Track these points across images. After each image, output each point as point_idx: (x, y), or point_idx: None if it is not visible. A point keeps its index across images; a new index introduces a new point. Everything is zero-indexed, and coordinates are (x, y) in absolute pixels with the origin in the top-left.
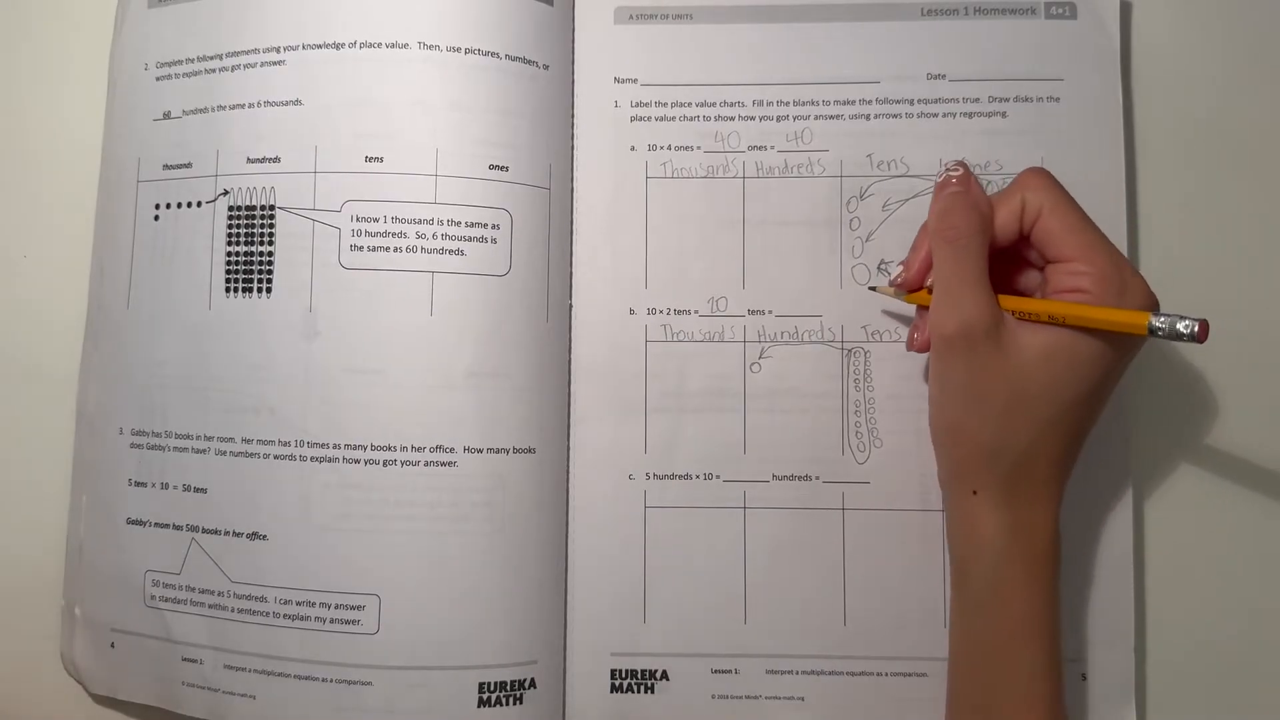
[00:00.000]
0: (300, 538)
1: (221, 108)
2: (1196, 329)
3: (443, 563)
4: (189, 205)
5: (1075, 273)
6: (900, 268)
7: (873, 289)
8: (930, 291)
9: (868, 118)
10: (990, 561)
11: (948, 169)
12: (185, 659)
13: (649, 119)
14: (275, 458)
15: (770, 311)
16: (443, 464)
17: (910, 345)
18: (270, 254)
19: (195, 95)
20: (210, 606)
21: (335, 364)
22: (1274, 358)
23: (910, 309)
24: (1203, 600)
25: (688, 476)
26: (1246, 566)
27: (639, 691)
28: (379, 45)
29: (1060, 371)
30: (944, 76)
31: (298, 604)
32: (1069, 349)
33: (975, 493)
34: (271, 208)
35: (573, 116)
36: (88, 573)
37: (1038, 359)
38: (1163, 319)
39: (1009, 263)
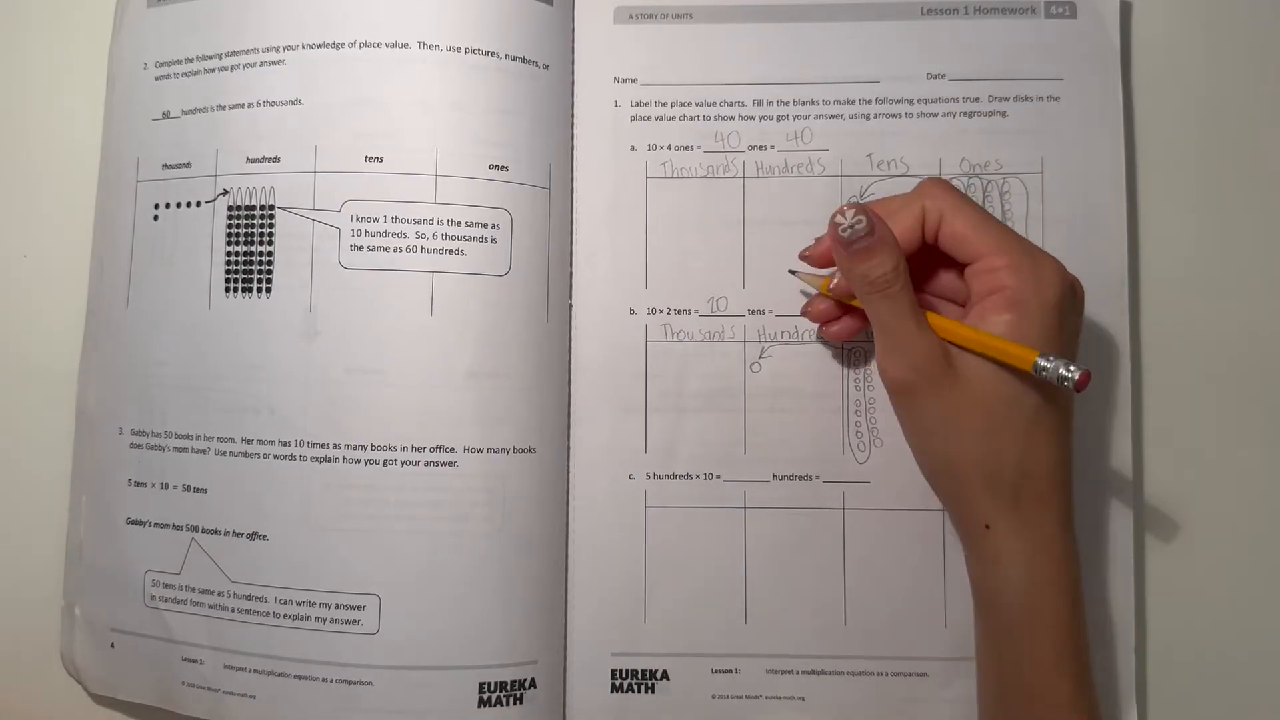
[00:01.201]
0: (300, 538)
1: (221, 107)
2: (1076, 377)
3: (443, 563)
4: (188, 205)
5: (991, 269)
6: (813, 241)
7: (792, 272)
8: (832, 291)
9: (867, 117)
10: (1017, 594)
11: (850, 223)
12: (185, 659)
13: (649, 119)
14: (275, 458)
15: (770, 311)
16: (443, 464)
17: (810, 314)
18: (270, 254)
19: (195, 95)
20: (210, 606)
21: (335, 364)
22: (1275, 357)
23: None
24: (1204, 601)
25: (688, 476)
26: (1247, 568)
27: (639, 691)
28: (379, 45)
29: (1015, 383)
30: (944, 76)
31: (298, 604)
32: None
33: (988, 527)
34: (271, 207)
35: (573, 116)
36: (87, 573)
37: (993, 374)
38: (1049, 362)
39: (924, 273)
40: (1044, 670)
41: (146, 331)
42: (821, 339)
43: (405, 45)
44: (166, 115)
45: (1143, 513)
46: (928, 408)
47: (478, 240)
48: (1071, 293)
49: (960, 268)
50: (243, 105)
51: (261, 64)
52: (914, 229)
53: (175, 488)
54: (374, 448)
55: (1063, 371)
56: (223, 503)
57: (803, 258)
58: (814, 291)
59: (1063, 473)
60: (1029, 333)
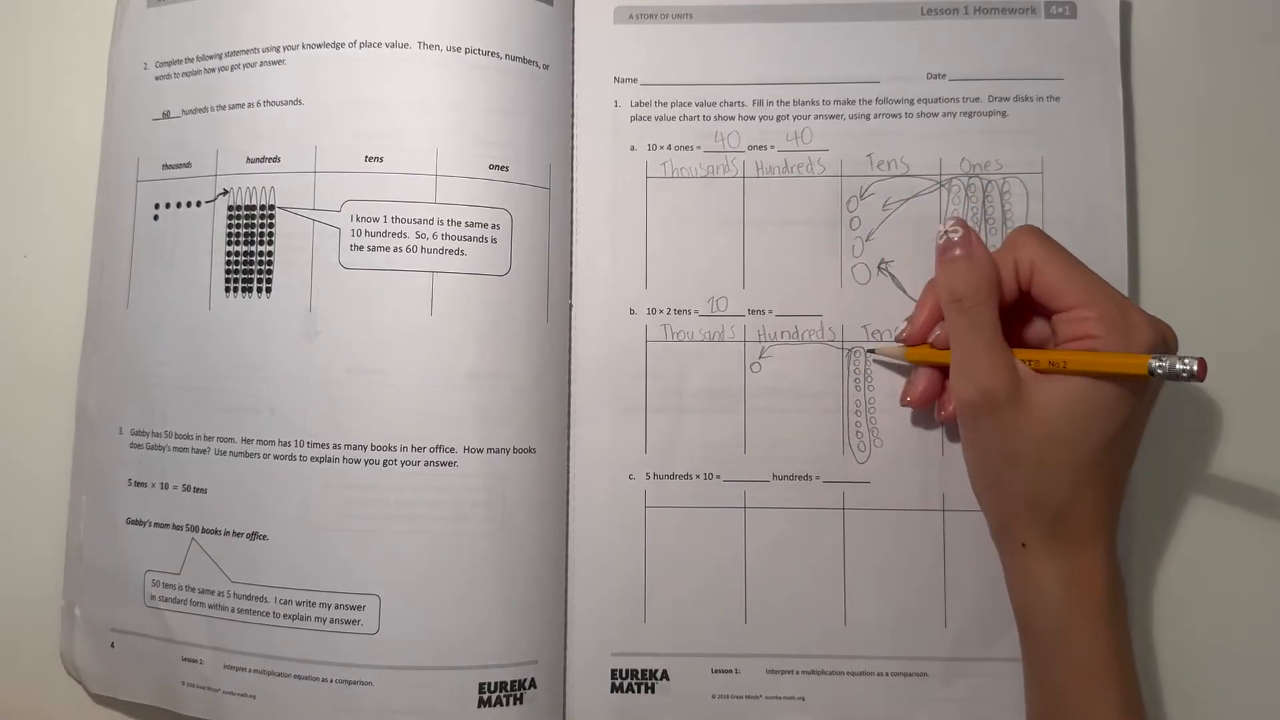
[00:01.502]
0: (300, 538)
1: (221, 107)
2: (1195, 368)
3: (443, 563)
4: (189, 205)
5: (1081, 319)
6: (905, 324)
7: (870, 352)
8: (933, 346)
9: (868, 117)
10: (1049, 612)
11: (946, 230)
12: (185, 659)
13: (649, 119)
14: (275, 458)
15: (770, 311)
16: (443, 464)
17: (904, 400)
18: (270, 254)
19: (195, 95)
20: (210, 606)
21: (335, 364)
22: (1276, 359)
23: None
24: (1203, 603)
25: (688, 476)
26: (1246, 572)
27: (639, 691)
28: (379, 45)
29: (1083, 420)
30: (944, 76)
31: (298, 604)
32: (1087, 398)
33: (1024, 546)
34: (271, 207)
35: (573, 116)
36: (87, 573)
37: (1059, 412)
38: (1163, 360)
39: (1015, 317)
40: (1080, 688)
41: (147, 331)
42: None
43: (405, 45)
44: (166, 115)
45: (1143, 512)
46: (988, 430)
47: (478, 240)
48: (1163, 343)
49: (1050, 316)
50: (243, 105)
51: (261, 64)
52: (1008, 281)
53: (175, 488)
54: (374, 448)
55: (1178, 367)
56: (223, 503)
57: (899, 339)
58: (901, 363)
59: (1109, 517)
60: (1109, 388)
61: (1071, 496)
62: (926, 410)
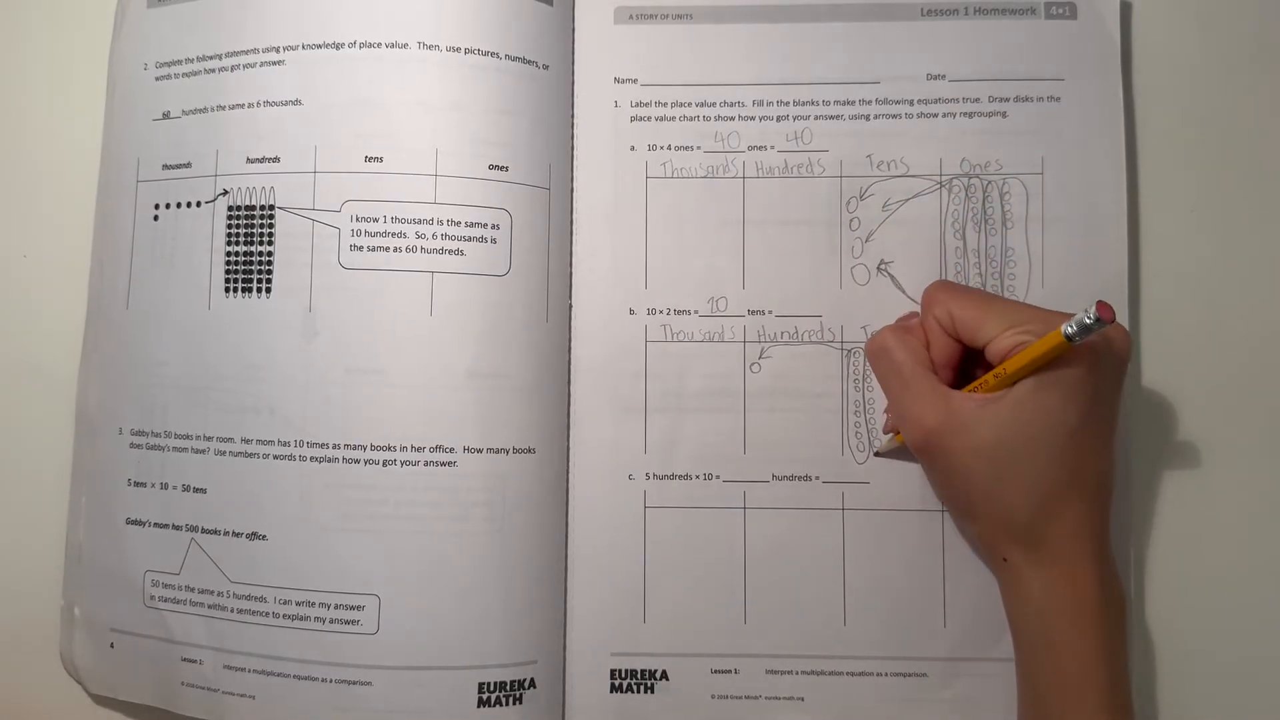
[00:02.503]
0: (300, 538)
1: (221, 108)
2: (1096, 312)
3: (442, 563)
4: (188, 205)
5: (1007, 340)
6: (886, 415)
7: (878, 454)
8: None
9: (868, 118)
10: (1035, 620)
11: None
12: (185, 659)
13: (649, 119)
14: (275, 458)
15: (770, 311)
16: (442, 464)
17: (887, 427)
18: (270, 254)
19: (195, 95)
20: (210, 607)
21: (335, 364)
22: (1275, 357)
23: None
24: (1203, 605)
25: (687, 476)
26: (1245, 569)
27: (639, 691)
28: (378, 45)
29: (1033, 428)
30: (944, 77)
31: (297, 604)
32: (1033, 404)
33: (1005, 560)
34: (271, 208)
35: (573, 116)
36: (87, 573)
37: (1007, 426)
38: (1071, 322)
39: (983, 368)
40: (1068, 694)
41: (146, 331)
42: None
43: (405, 45)
44: (167, 115)
45: (1142, 513)
46: (942, 463)
47: (477, 240)
48: (1105, 344)
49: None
50: (243, 105)
51: (261, 64)
52: (942, 339)
53: (175, 488)
54: (374, 448)
55: (1084, 319)
56: (222, 503)
57: (886, 429)
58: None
59: (1092, 524)
60: (1052, 388)
61: (1040, 509)
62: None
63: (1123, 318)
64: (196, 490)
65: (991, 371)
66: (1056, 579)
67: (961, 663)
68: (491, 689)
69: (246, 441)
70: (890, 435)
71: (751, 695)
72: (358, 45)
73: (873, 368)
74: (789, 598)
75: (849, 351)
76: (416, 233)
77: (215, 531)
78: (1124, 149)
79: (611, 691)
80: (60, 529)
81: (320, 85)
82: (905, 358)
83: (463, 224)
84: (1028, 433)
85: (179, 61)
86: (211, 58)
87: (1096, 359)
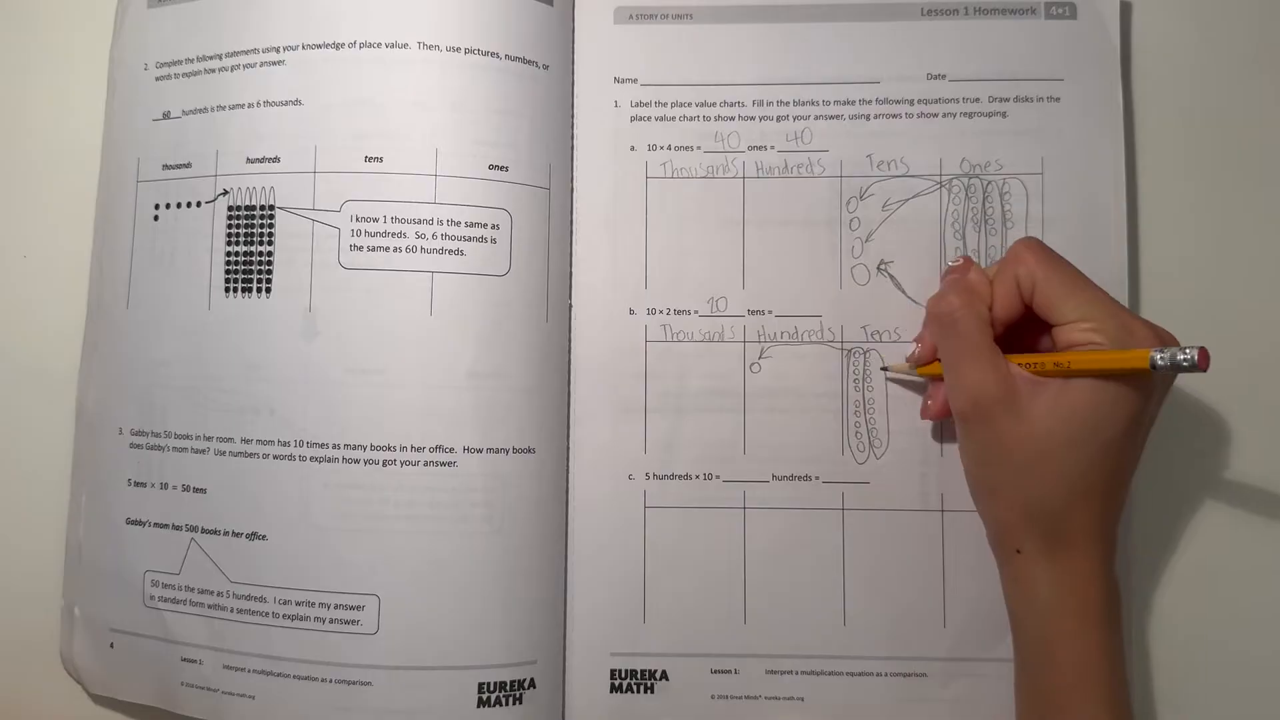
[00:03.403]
0: (299, 538)
1: (221, 108)
2: (1196, 357)
3: (442, 563)
4: (189, 205)
5: (1081, 330)
6: (915, 345)
7: (884, 369)
8: (918, 362)
9: (868, 118)
10: (1040, 616)
11: (951, 264)
12: (184, 659)
13: (649, 119)
14: (275, 458)
15: (770, 311)
16: (442, 464)
17: (925, 414)
18: (270, 254)
19: (195, 95)
20: (210, 607)
21: (335, 364)
22: (1275, 358)
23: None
24: (1202, 605)
25: (687, 476)
26: (1246, 569)
27: (639, 691)
28: (378, 45)
29: (1082, 425)
30: (944, 76)
31: (297, 604)
32: (1087, 401)
33: (1019, 551)
34: (271, 208)
35: (573, 116)
36: (87, 573)
37: (1058, 416)
38: (1164, 352)
39: (1026, 331)
40: (1069, 694)
41: (146, 332)
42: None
43: (405, 45)
44: (167, 115)
45: (1142, 513)
46: (983, 437)
47: (477, 240)
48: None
49: (1051, 328)
50: (243, 105)
51: (262, 64)
52: (1012, 298)
53: (175, 488)
54: (373, 448)
55: (1179, 358)
56: (222, 503)
57: (909, 359)
58: (913, 378)
59: (1107, 524)
60: (1110, 390)
61: (1069, 503)
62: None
63: None
64: (196, 490)
65: (1053, 358)
66: (1067, 575)
67: (961, 663)
68: (491, 689)
69: (246, 441)
70: (911, 364)
71: (751, 695)
72: (358, 45)
73: (934, 327)
74: (789, 598)
75: (849, 351)
76: (416, 233)
77: (215, 531)
78: (1124, 149)
79: (611, 691)
80: (60, 529)
81: (320, 85)
82: (972, 326)
83: (463, 224)
84: (1076, 427)
85: (179, 61)
86: (212, 58)
87: (1153, 377)
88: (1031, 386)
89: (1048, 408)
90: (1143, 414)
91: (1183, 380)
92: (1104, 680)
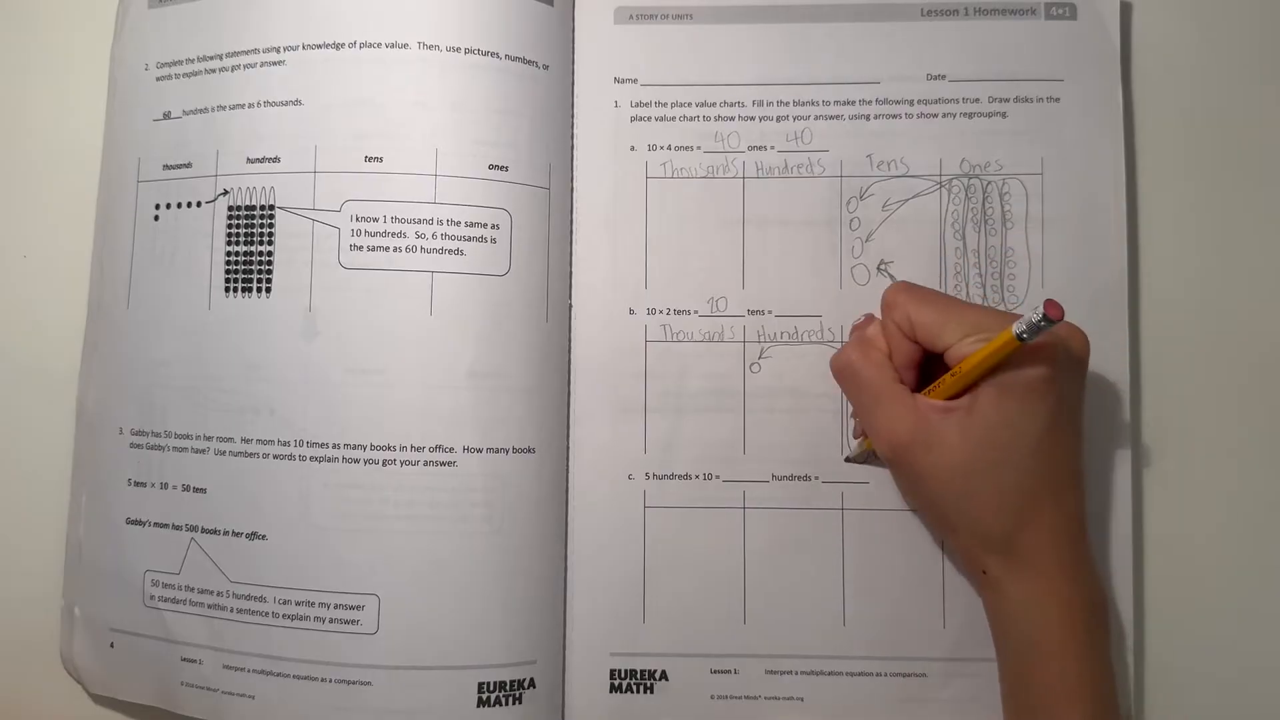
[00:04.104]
0: (299, 537)
1: (221, 108)
2: (1044, 311)
3: (442, 563)
4: (189, 205)
5: (968, 344)
6: (854, 420)
7: (848, 459)
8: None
9: (868, 118)
10: (1019, 630)
11: (855, 322)
12: (184, 659)
13: (649, 119)
14: (275, 457)
15: (770, 311)
16: (442, 464)
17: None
18: (270, 254)
19: (195, 95)
20: (209, 606)
21: (334, 364)
22: (1275, 357)
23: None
24: (1203, 608)
25: (687, 476)
26: (1247, 568)
27: (638, 691)
28: (379, 45)
29: (1001, 438)
30: (944, 77)
31: (297, 604)
32: (997, 414)
33: (985, 573)
34: (271, 208)
35: (573, 116)
36: (87, 573)
37: (973, 437)
38: (1021, 322)
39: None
40: (1056, 704)
41: (146, 331)
42: None
43: (405, 45)
44: (167, 116)
45: (1142, 511)
46: (913, 476)
47: (477, 240)
48: (1063, 347)
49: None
50: (243, 106)
51: (262, 64)
52: (899, 340)
53: (175, 487)
54: (373, 447)
55: (1034, 319)
56: (222, 503)
57: (855, 435)
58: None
59: (1069, 534)
60: (1013, 392)
61: (1015, 522)
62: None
63: (1121, 317)
64: (196, 490)
65: (948, 375)
66: (1037, 588)
67: (960, 663)
68: (491, 689)
69: (246, 441)
70: (860, 440)
71: (751, 695)
72: (358, 45)
73: (840, 385)
74: (788, 598)
75: None
76: (416, 232)
77: (215, 531)
78: (1123, 149)
79: (611, 691)
80: (60, 529)
81: (320, 85)
82: (872, 374)
83: (462, 224)
84: (995, 443)
85: (180, 62)
86: (212, 58)
87: (1054, 361)
88: (942, 415)
89: (961, 432)
90: (1058, 415)
91: (1182, 379)
92: (1091, 689)
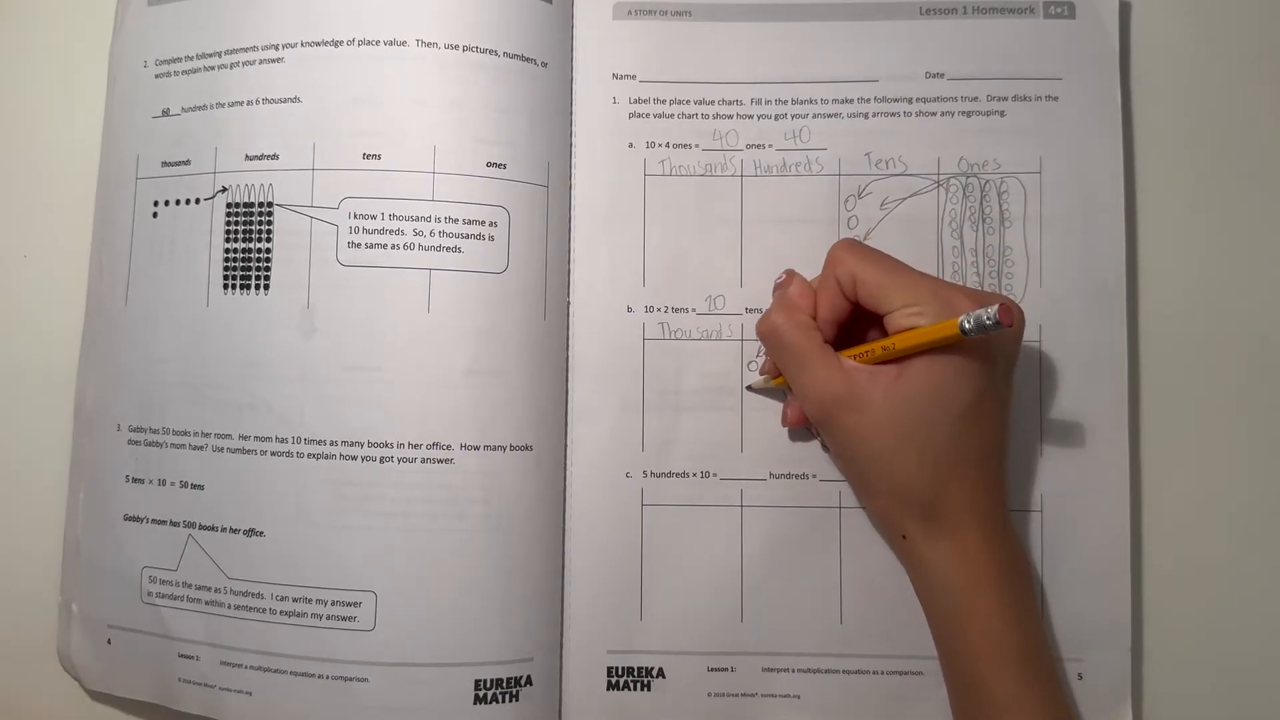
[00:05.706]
0: (297, 534)
1: (220, 105)
2: (997, 315)
3: (439, 560)
4: (187, 202)
5: (907, 315)
6: (763, 357)
7: (750, 388)
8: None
9: (866, 116)
10: (941, 594)
11: (776, 280)
12: (182, 655)
13: (647, 116)
14: (272, 454)
15: None
16: (439, 461)
17: (784, 422)
18: (268, 251)
19: (194, 92)
20: (207, 603)
21: (332, 361)
22: (1274, 356)
23: None
24: (1202, 604)
25: (685, 474)
26: (1246, 568)
27: (635, 689)
28: (377, 43)
29: (928, 404)
30: (942, 75)
31: (294, 600)
32: (926, 382)
33: (904, 537)
34: (269, 205)
35: (571, 114)
36: (85, 569)
37: (898, 401)
38: (969, 317)
39: (868, 328)
40: (984, 665)
41: (145, 328)
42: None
43: (403, 43)
44: (166, 113)
45: (1141, 511)
46: (838, 435)
47: (475, 238)
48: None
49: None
50: (242, 103)
51: (261, 62)
52: (837, 300)
53: (173, 484)
54: (371, 445)
55: (985, 319)
56: (220, 499)
57: (760, 371)
58: (775, 390)
59: (989, 498)
60: (947, 365)
61: (936, 483)
62: (804, 426)
63: (1120, 316)
64: (194, 487)
65: (880, 344)
66: (954, 551)
67: None
68: (488, 686)
69: (244, 438)
70: (766, 376)
71: (748, 693)
72: (356, 43)
73: (766, 349)
74: (786, 596)
75: None
76: (414, 230)
77: (213, 528)
78: (1122, 148)
79: (608, 689)
80: (58, 525)
81: (319, 83)
82: (798, 338)
83: (460, 221)
84: (922, 408)
85: (179, 59)
86: (211, 55)
87: (989, 344)
88: (869, 377)
89: (886, 394)
90: (988, 385)
91: (1182, 378)
92: (1017, 649)
